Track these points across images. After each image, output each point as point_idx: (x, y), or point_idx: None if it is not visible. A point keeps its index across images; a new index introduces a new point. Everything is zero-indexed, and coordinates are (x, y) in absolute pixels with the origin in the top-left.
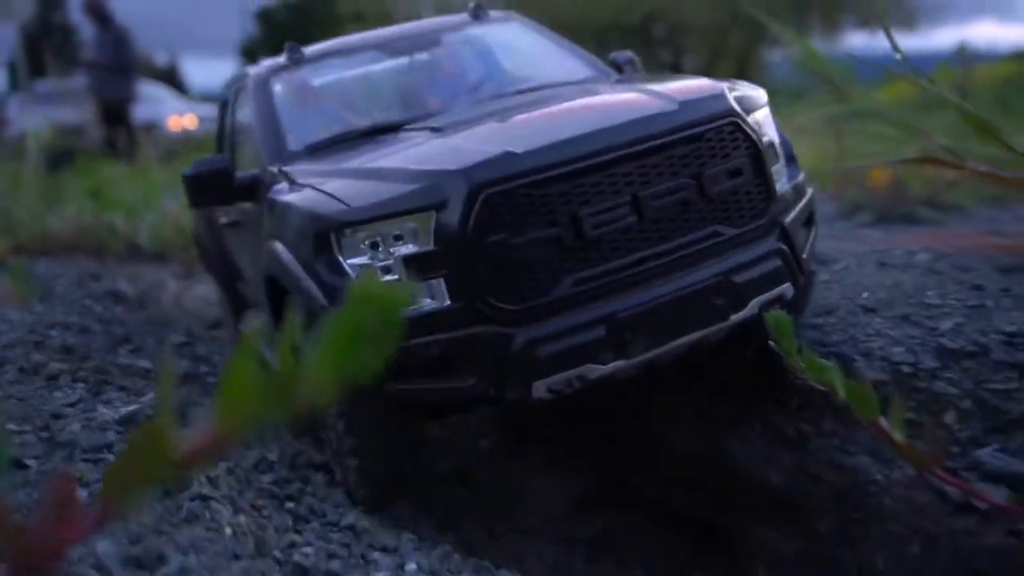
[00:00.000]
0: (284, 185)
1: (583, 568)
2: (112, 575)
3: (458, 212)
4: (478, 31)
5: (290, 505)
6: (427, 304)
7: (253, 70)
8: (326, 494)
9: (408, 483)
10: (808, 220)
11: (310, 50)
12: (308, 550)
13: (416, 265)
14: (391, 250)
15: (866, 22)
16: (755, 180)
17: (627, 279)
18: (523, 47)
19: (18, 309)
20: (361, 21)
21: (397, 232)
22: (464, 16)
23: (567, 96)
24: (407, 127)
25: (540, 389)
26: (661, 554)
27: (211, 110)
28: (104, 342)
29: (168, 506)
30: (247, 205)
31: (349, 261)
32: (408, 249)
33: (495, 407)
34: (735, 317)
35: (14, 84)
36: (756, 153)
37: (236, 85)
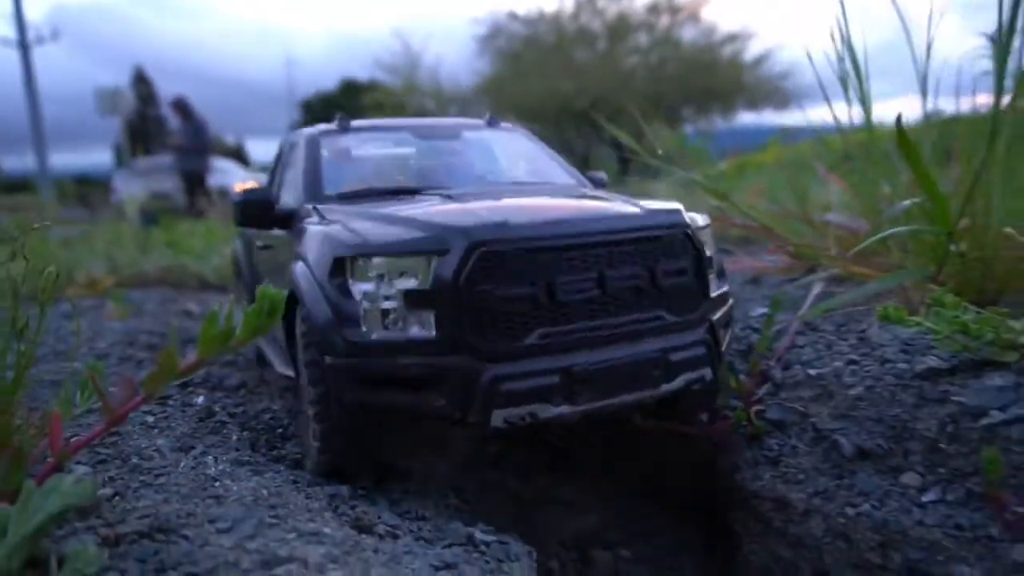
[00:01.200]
0: (315, 218)
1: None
2: (165, 455)
3: (455, 261)
4: (490, 134)
5: (279, 430)
6: (415, 332)
7: (307, 130)
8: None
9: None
10: (727, 322)
11: (356, 123)
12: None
13: (412, 298)
14: (393, 282)
15: (753, 105)
16: (695, 281)
17: (585, 340)
18: (523, 152)
19: (119, 322)
20: (380, 110)
21: (402, 269)
22: (481, 121)
23: (557, 193)
24: (425, 192)
25: (498, 418)
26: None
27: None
28: (177, 342)
29: (198, 426)
30: (280, 232)
31: (356, 286)
32: (408, 284)
33: (454, 426)
34: (665, 387)
35: (119, 162)
36: (699, 259)
37: (291, 140)
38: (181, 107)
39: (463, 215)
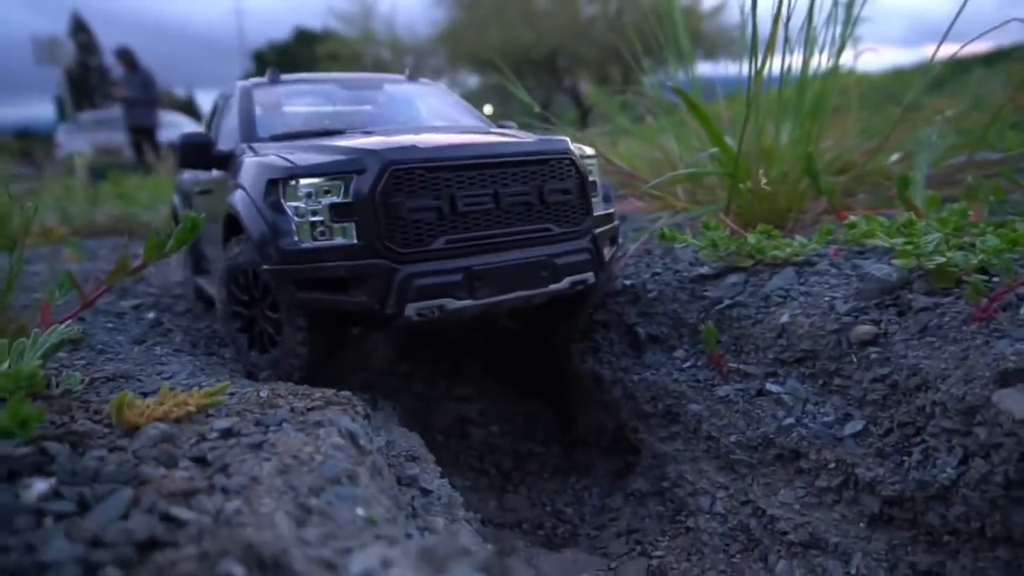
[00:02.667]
0: (250, 154)
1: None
2: (123, 345)
3: (371, 178)
4: (410, 87)
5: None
6: (340, 240)
7: (240, 83)
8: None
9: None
10: (613, 239)
11: (285, 76)
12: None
13: (336, 211)
14: (320, 199)
15: (710, 55)
16: (579, 200)
17: (483, 246)
18: (439, 103)
19: (77, 264)
20: (336, 60)
21: (327, 187)
22: (402, 76)
23: (463, 130)
24: (347, 132)
25: (411, 310)
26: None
27: None
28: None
29: (149, 330)
30: (218, 174)
31: (288, 204)
32: (333, 200)
33: (376, 319)
34: (552, 287)
35: (61, 115)
36: (582, 182)
37: (226, 93)
38: (126, 57)
39: (378, 143)
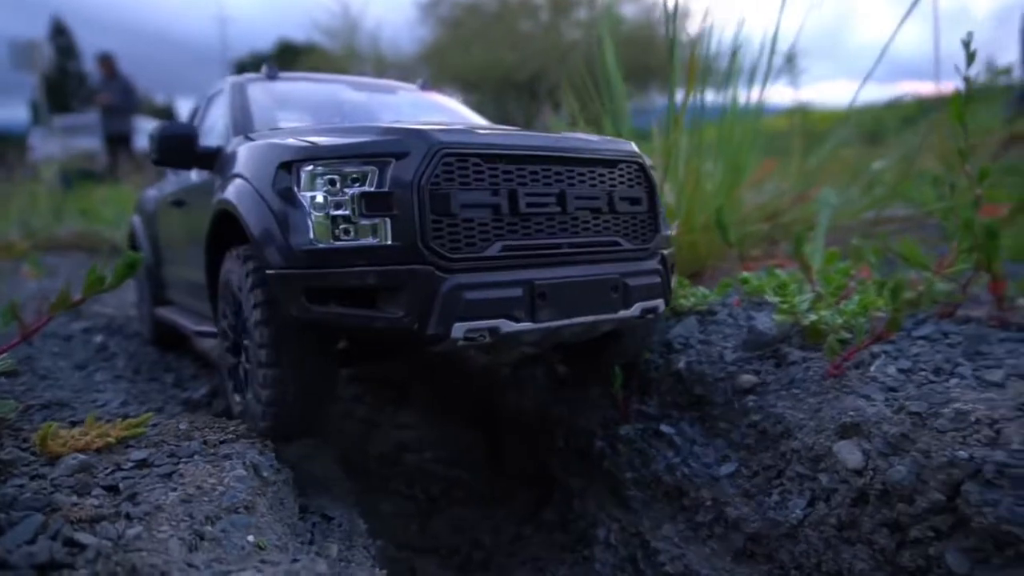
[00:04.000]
0: (247, 141)
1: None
2: (65, 370)
3: (416, 163)
4: (426, 96)
5: (161, 365)
6: (370, 240)
7: (232, 78)
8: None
9: (313, 422)
10: (673, 264)
11: (286, 74)
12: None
13: (367, 204)
14: (345, 188)
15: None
16: (649, 213)
17: (545, 257)
18: (455, 111)
19: (35, 281)
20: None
21: (356, 174)
22: (415, 85)
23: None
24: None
25: (459, 331)
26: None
27: None
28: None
29: (94, 355)
30: (199, 178)
31: (303, 193)
32: (363, 189)
33: (415, 343)
34: (623, 313)
35: (36, 119)
36: (652, 191)
37: (211, 92)
38: (107, 64)
39: (422, 125)
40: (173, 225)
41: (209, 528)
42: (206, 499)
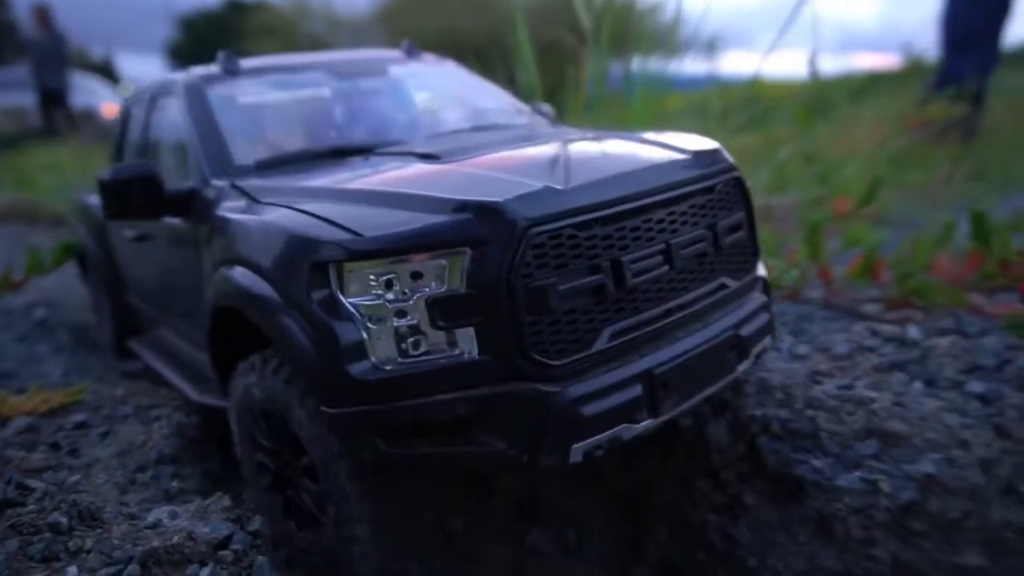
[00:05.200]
0: (243, 203)
1: None
2: (6, 344)
3: (500, 251)
4: (417, 68)
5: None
6: (449, 356)
7: (180, 77)
8: None
9: (422, 557)
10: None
11: (247, 63)
12: None
13: (443, 310)
14: (407, 290)
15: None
16: (749, 235)
17: (656, 332)
18: (462, 87)
19: None
20: (271, 34)
21: (420, 271)
22: (400, 53)
23: (557, 138)
24: (380, 151)
25: (577, 453)
26: None
27: None
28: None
29: (35, 329)
30: (171, 221)
31: (350, 300)
32: (432, 291)
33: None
34: (740, 368)
35: None
36: (750, 209)
37: (153, 94)
38: (43, 15)
39: (487, 183)
40: (138, 259)
41: (140, 475)
42: (137, 453)
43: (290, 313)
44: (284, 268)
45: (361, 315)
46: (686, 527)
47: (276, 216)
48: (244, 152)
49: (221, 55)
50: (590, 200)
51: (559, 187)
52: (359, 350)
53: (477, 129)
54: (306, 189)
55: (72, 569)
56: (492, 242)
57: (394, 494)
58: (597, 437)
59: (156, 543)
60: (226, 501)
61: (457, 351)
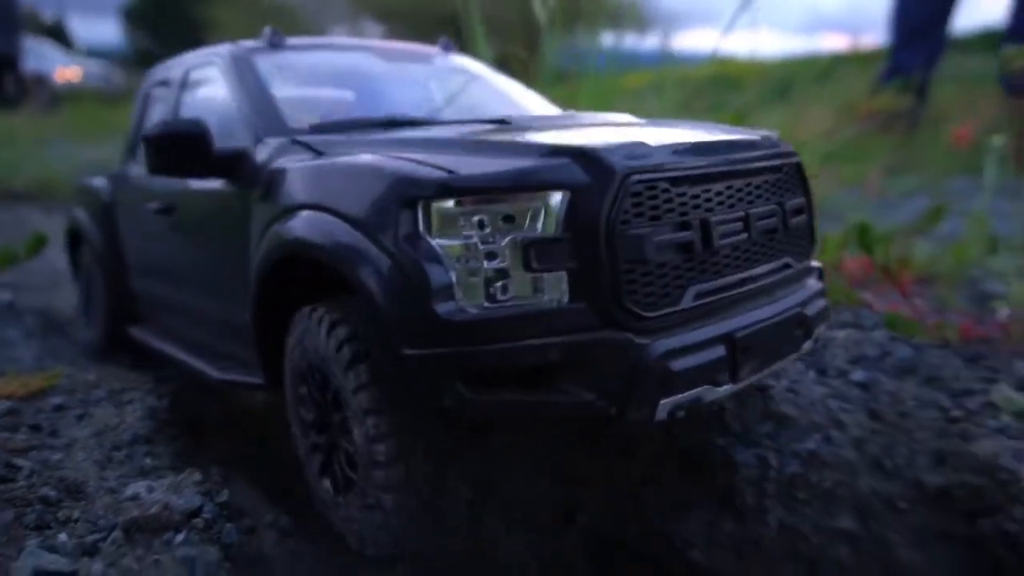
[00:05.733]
0: (307, 155)
1: None
2: None
3: (599, 196)
4: (458, 62)
5: (68, 326)
6: (540, 301)
7: (226, 49)
8: None
9: (447, 531)
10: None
11: (292, 41)
12: None
13: (536, 254)
14: (498, 235)
15: (616, 27)
16: (809, 221)
17: (735, 298)
18: (496, 82)
19: None
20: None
21: (513, 213)
22: (437, 48)
23: (606, 121)
24: (439, 123)
25: (663, 410)
26: None
27: (96, 65)
28: None
29: (2, 312)
30: (210, 186)
31: (438, 241)
32: (525, 234)
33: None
34: (805, 347)
35: None
36: (809, 195)
37: (186, 69)
38: None
39: (577, 138)
40: (157, 236)
41: (116, 453)
42: (112, 433)
43: (371, 253)
44: (367, 207)
45: (449, 256)
46: (610, 499)
47: (356, 159)
48: (296, 115)
49: (266, 30)
50: (681, 159)
51: (654, 144)
52: (446, 291)
53: (535, 116)
54: (381, 141)
55: (63, 536)
56: (591, 186)
57: (424, 463)
58: (683, 395)
59: (136, 513)
60: (197, 476)
61: (547, 296)
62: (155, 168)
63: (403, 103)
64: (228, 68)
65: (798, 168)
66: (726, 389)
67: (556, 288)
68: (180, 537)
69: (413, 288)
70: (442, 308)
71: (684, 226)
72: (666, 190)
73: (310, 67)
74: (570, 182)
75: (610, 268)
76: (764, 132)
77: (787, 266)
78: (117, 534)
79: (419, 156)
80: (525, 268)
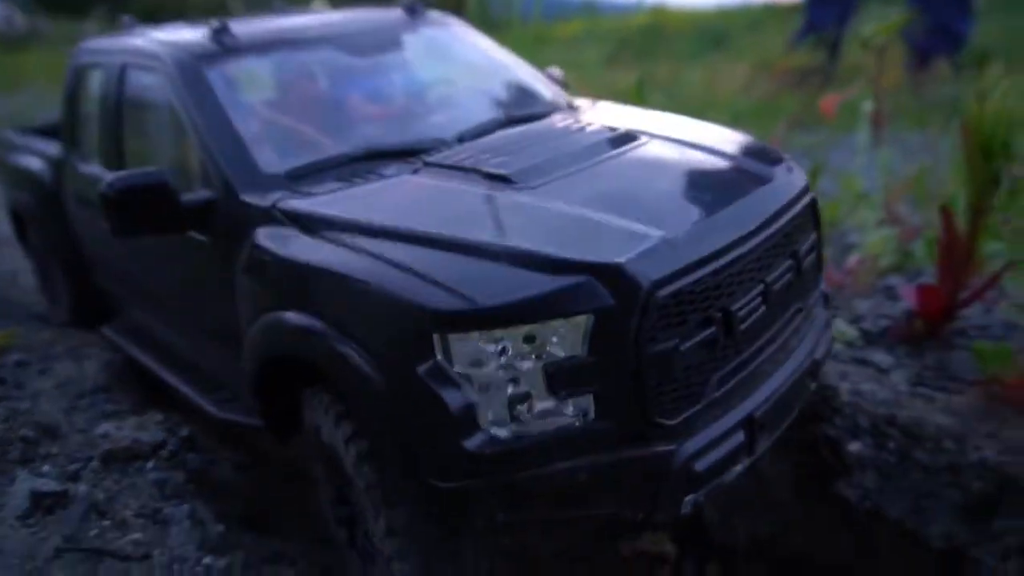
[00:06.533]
0: (292, 232)
1: None
2: None
3: (625, 316)
4: (431, 34)
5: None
6: (565, 421)
7: (166, 50)
8: None
9: None
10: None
11: (242, 33)
12: None
13: (562, 377)
14: (521, 359)
15: None
16: (817, 255)
17: (753, 372)
18: (478, 57)
19: None
20: None
21: (535, 336)
22: (399, 14)
23: (609, 141)
24: (429, 160)
25: (688, 505)
26: None
27: None
28: None
29: None
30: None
31: (460, 369)
32: (550, 357)
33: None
34: (811, 388)
35: None
36: (820, 228)
37: (123, 63)
38: None
39: (593, 231)
40: (128, 250)
41: (80, 401)
42: (74, 385)
43: (384, 381)
44: (378, 330)
45: (470, 384)
46: None
47: (358, 265)
48: (268, 157)
49: (211, 25)
50: (705, 250)
51: (673, 237)
52: (471, 421)
53: (516, 121)
54: (373, 227)
55: (47, 467)
56: (616, 307)
57: (442, 548)
58: (706, 487)
59: (109, 447)
60: (158, 416)
61: (572, 417)
62: (120, 231)
63: (380, 117)
64: (176, 84)
65: (812, 205)
66: (743, 466)
67: (581, 408)
68: (150, 464)
69: (437, 420)
70: (469, 442)
71: (707, 322)
72: (690, 292)
73: (271, 77)
74: (596, 304)
75: (639, 387)
76: (777, 159)
77: (799, 311)
78: (95, 463)
79: (426, 263)
80: (549, 392)
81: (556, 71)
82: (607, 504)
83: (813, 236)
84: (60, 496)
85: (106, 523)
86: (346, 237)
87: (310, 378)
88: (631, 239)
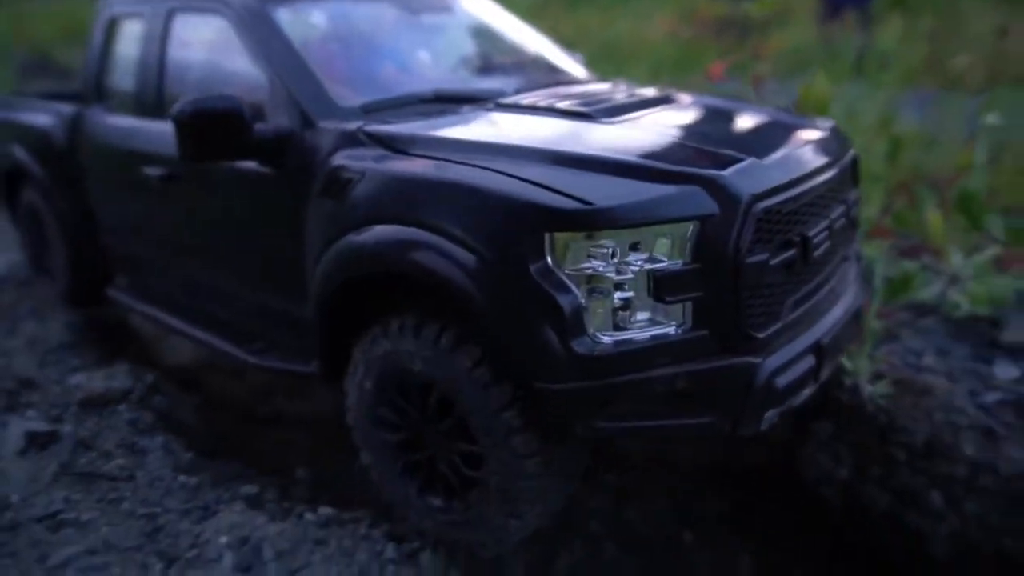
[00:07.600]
0: (380, 152)
1: None
2: None
3: (727, 225)
4: (471, 4)
5: None
6: (663, 330)
7: None
8: None
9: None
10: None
11: None
12: None
13: (664, 284)
14: (628, 265)
15: None
16: (857, 210)
17: (819, 302)
18: (513, 31)
19: None
20: None
21: (641, 242)
22: None
23: (661, 98)
24: (503, 103)
25: (767, 421)
26: None
27: None
28: None
29: None
30: (242, 165)
31: (568, 271)
32: (654, 263)
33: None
34: (856, 334)
35: None
36: (858, 185)
37: (170, 7)
38: None
39: (686, 151)
40: (157, 203)
41: (49, 357)
42: (42, 344)
43: (494, 282)
44: (486, 232)
45: (578, 286)
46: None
47: (464, 173)
48: (343, 91)
49: None
50: (788, 175)
51: (764, 161)
52: (578, 324)
53: (562, 83)
54: (471, 143)
55: (31, 412)
56: (719, 216)
57: (558, 462)
58: (783, 405)
59: (83, 395)
60: (125, 367)
61: (671, 325)
62: (188, 155)
63: (440, 67)
64: (245, 24)
65: (855, 160)
66: (809, 391)
67: (680, 316)
68: (122, 407)
69: (545, 321)
70: (577, 344)
71: (789, 244)
72: (778, 211)
73: (331, 23)
74: (701, 212)
75: (733, 295)
76: (828, 124)
77: (845, 258)
78: (74, 408)
79: (535, 173)
80: (654, 298)
81: (577, 54)
82: (699, 413)
83: (857, 190)
84: (50, 435)
85: (93, 454)
86: (442, 153)
87: (384, 306)
88: (727, 159)
